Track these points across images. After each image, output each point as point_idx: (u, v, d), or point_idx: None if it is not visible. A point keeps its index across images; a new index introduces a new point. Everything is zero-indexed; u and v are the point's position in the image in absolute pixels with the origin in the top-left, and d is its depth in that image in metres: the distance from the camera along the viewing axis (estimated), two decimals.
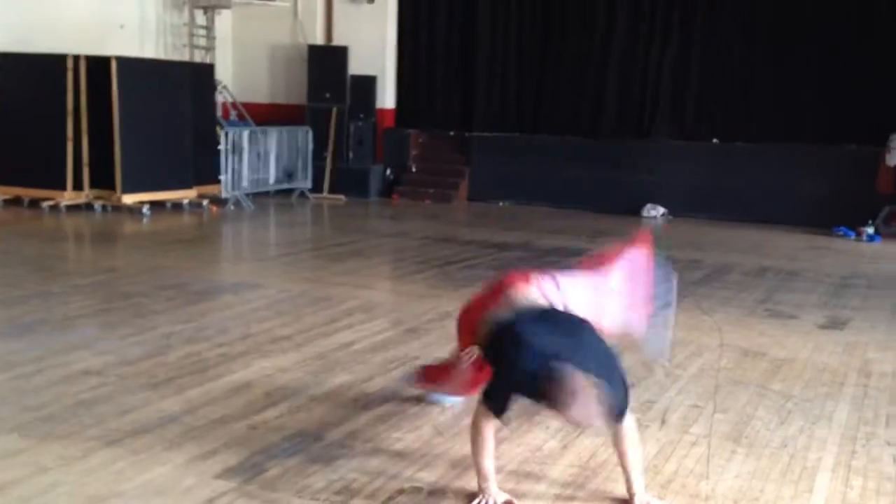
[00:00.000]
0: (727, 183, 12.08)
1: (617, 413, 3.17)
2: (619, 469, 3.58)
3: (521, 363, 3.12)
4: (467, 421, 4.01)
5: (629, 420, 3.27)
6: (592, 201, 12.52)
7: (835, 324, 6.27)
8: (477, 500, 3.30)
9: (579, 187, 12.71)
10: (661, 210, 12.29)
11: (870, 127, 11.24)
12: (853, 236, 10.77)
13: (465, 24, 13.56)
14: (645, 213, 12.26)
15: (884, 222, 10.98)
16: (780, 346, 5.58)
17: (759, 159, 12.00)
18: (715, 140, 12.36)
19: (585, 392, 2.93)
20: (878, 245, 10.36)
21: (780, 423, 4.23)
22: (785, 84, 11.89)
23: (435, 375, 4.22)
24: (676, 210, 12.25)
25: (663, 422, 4.21)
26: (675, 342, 5.53)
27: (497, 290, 3.55)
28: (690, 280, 7.71)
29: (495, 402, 3.23)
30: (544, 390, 3.02)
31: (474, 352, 3.61)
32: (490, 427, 3.27)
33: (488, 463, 3.30)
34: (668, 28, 12.47)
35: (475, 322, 3.53)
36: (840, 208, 11.17)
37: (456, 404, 4.23)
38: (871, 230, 10.73)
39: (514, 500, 3.32)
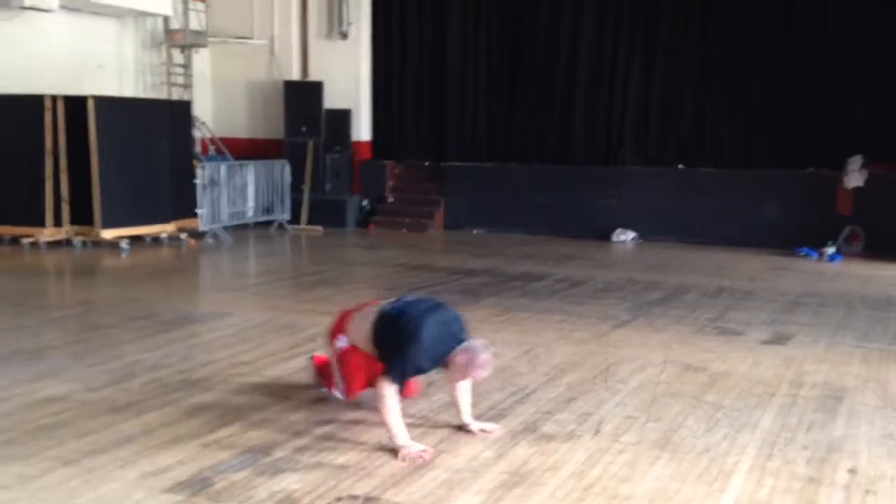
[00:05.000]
0: (694, 207, 12.40)
1: None
2: (548, 474, 3.84)
3: (421, 352, 4.10)
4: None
5: None
6: (564, 227, 12.83)
7: (778, 339, 6.52)
8: (401, 454, 4.01)
9: (551, 214, 13.03)
10: (631, 234, 12.58)
11: (827, 151, 11.60)
12: (815, 256, 11.06)
13: (436, 57, 13.93)
14: (615, 237, 12.55)
15: (845, 242, 11.29)
16: (721, 361, 5.83)
17: (723, 184, 12.33)
18: (680, 165, 12.69)
19: (477, 357, 4.12)
20: (839, 264, 10.65)
21: (707, 430, 4.47)
22: (745, 110, 12.25)
23: (323, 370, 4.89)
24: (646, 234, 12.54)
25: (597, 431, 4.44)
26: (623, 359, 5.81)
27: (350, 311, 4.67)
28: (647, 300, 7.99)
29: (398, 381, 4.13)
30: (451, 364, 4.15)
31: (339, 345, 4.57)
32: (395, 395, 4.12)
33: (400, 421, 4.12)
34: (631, 56, 12.85)
35: (342, 326, 4.58)
36: (802, 230, 11.50)
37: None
38: (832, 250, 11.03)
39: (430, 448, 4.08)
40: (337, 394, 4.70)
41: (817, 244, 11.20)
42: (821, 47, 11.86)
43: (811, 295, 8.47)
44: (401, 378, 4.14)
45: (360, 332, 4.46)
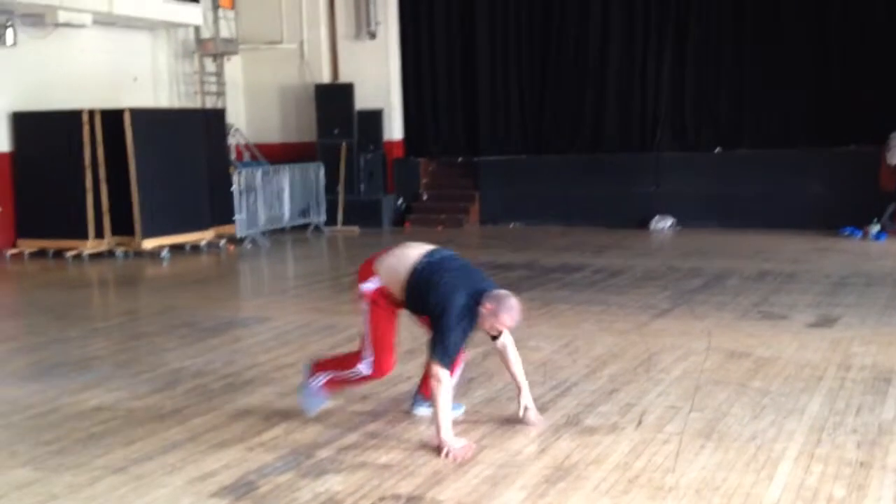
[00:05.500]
0: (733, 190, 12.23)
1: None
2: (591, 467, 3.81)
3: (457, 327, 4.06)
4: (453, 432, 4.26)
5: (508, 334, 4.35)
6: (601, 217, 12.73)
7: (825, 321, 6.41)
8: (445, 451, 4.01)
9: (588, 204, 12.93)
10: (670, 221, 12.44)
11: (868, 127, 11.36)
12: (860, 235, 10.85)
13: (465, 52, 13.91)
14: (653, 225, 12.42)
15: (889, 220, 11.05)
16: (765, 347, 5.74)
17: (762, 165, 12.14)
18: (718, 149, 12.53)
19: (503, 302, 4.10)
20: (884, 243, 10.44)
21: (753, 417, 4.41)
22: (781, 89, 12.05)
23: (325, 364, 4.63)
24: (685, 220, 12.40)
25: (640, 422, 4.40)
26: (664, 348, 5.75)
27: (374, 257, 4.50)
28: (688, 288, 7.90)
29: (448, 363, 4.08)
30: (482, 314, 4.09)
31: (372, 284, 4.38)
32: (449, 382, 4.12)
33: (449, 417, 4.11)
34: (662, 41, 12.72)
35: (371, 269, 4.42)
36: (845, 208, 11.27)
37: (313, 411, 4.59)
38: (876, 228, 10.81)
39: (472, 444, 4.09)
40: (363, 368, 4.43)
41: (861, 223, 10.98)
42: (858, 21, 11.64)
43: (857, 275, 8.31)
44: (449, 359, 4.09)
45: (391, 275, 4.33)
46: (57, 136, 11.08)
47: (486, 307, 4.10)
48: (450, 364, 4.12)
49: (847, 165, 11.66)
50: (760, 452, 3.94)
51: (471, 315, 4.12)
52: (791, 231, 11.31)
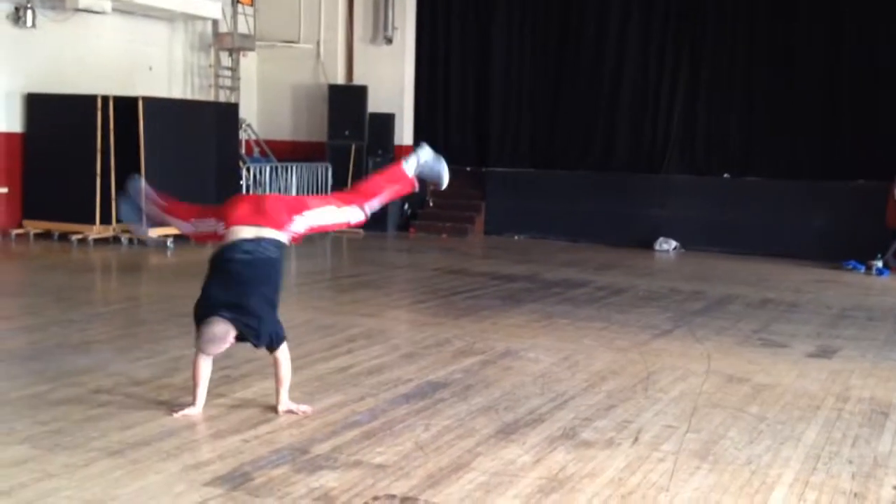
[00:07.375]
0: (738, 217, 12.26)
1: (269, 343, 4.65)
2: (585, 480, 3.82)
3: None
4: (447, 437, 4.27)
5: (283, 351, 4.69)
6: (606, 235, 12.76)
7: (824, 353, 6.41)
8: None
9: (593, 221, 12.96)
10: (674, 244, 12.46)
11: (877, 162, 11.39)
12: (863, 270, 10.85)
13: (480, 63, 13.97)
14: (657, 246, 12.44)
15: (893, 256, 11.06)
16: (765, 373, 5.74)
17: (769, 194, 12.17)
18: (726, 175, 12.56)
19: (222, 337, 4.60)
20: (886, 279, 10.45)
21: (749, 442, 4.41)
22: (794, 120, 12.09)
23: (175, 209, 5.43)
24: (688, 244, 12.42)
25: (636, 439, 4.40)
26: (663, 368, 5.77)
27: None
28: (690, 310, 7.91)
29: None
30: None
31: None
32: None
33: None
34: (677, 67, 12.77)
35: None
36: (850, 242, 11.29)
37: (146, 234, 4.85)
38: (879, 264, 10.82)
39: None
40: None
41: (865, 257, 10.99)
42: (870, 57, 11.69)
43: (858, 309, 8.32)
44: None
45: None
46: (69, 119, 11.13)
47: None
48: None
49: (854, 199, 11.69)
50: (755, 477, 3.95)
51: None
52: (794, 261, 11.33)
